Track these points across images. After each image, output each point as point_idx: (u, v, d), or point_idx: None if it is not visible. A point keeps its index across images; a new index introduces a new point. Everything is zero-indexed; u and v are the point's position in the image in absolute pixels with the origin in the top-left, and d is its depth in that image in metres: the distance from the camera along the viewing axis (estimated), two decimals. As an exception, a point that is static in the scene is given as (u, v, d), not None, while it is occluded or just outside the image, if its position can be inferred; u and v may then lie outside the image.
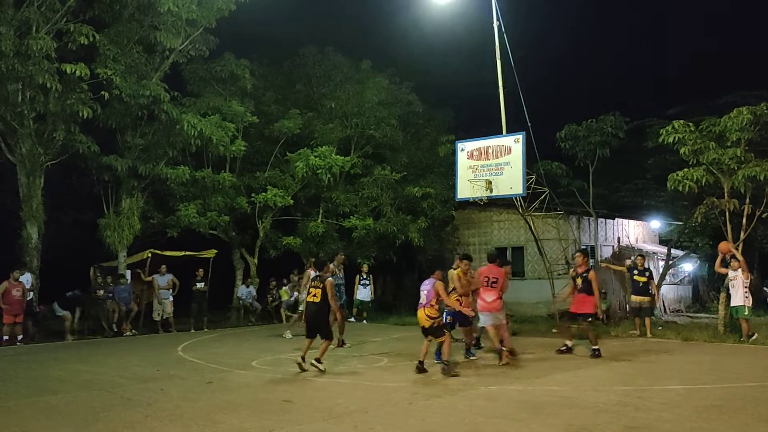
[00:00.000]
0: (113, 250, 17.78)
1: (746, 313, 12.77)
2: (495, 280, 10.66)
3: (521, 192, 15.65)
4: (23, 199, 16.19)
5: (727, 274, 13.26)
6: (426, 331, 9.73)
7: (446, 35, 26.16)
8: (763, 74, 26.09)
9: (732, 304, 13.03)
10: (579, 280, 11.41)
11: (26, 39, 15.04)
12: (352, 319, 19.08)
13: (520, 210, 17.18)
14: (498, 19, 16.36)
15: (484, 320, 10.69)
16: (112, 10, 17.26)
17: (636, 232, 23.75)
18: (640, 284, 14.35)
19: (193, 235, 19.30)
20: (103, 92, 16.14)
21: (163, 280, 17.11)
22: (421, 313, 9.70)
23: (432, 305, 9.65)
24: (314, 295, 9.99)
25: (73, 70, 15.27)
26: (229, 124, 18.84)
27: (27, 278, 15.01)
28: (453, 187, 17.50)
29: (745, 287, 12.77)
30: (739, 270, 12.83)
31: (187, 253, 18.69)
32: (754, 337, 12.56)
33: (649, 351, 11.80)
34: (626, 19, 44.49)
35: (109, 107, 16.94)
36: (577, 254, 12.01)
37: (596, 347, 11.03)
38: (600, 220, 21.33)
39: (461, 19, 21.50)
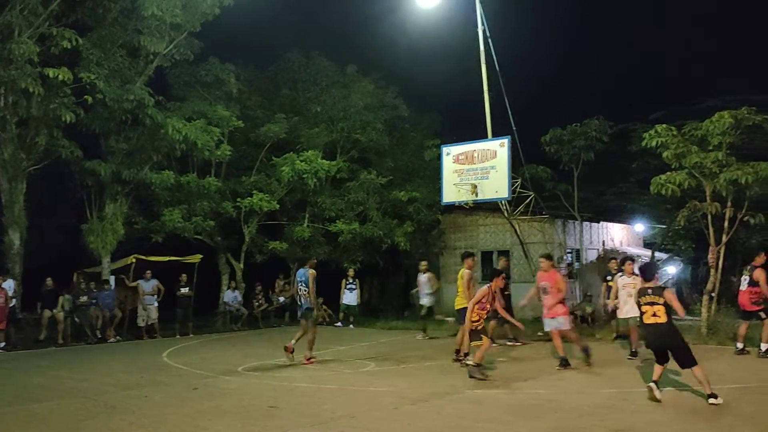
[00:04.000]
0: (97, 256, 17.65)
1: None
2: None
3: (507, 196, 15.69)
4: (5, 204, 16.01)
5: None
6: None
7: (432, 40, 26.17)
8: (744, 78, 26.38)
9: (627, 315, 11.43)
10: None
11: (8, 43, 14.90)
12: (339, 324, 19.08)
13: (506, 214, 17.23)
14: (483, 24, 16.44)
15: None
16: (96, 14, 17.12)
17: (620, 236, 23.92)
18: None
19: (178, 240, 19.17)
20: (86, 97, 15.99)
21: (148, 285, 17.03)
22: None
23: (474, 311, 9.59)
24: (655, 314, 7.67)
25: (56, 75, 15.14)
26: (214, 129, 18.73)
27: (10, 285, 14.83)
28: (439, 191, 17.52)
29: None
30: (634, 277, 11.03)
31: (172, 258, 18.59)
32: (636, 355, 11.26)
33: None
34: (610, 24, 44.84)
35: (92, 112, 16.79)
36: None
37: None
38: (585, 223, 21.46)
39: (447, 24, 21.52)
